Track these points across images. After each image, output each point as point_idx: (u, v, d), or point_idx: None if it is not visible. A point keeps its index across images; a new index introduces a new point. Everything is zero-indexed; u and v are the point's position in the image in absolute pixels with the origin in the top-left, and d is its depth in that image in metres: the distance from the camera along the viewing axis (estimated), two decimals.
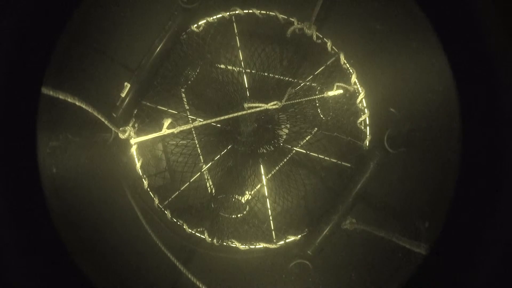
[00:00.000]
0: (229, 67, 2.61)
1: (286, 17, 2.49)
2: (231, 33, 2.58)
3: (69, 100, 1.47)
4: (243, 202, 2.58)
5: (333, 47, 2.48)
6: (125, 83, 2.26)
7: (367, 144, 2.45)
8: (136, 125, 2.45)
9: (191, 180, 2.60)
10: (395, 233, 1.88)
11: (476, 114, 1.24)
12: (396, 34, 2.30)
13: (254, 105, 2.30)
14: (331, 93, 2.37)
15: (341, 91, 2.38)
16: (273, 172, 2.65)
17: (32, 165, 1.22)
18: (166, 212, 2.47)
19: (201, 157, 2.64)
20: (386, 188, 2.43)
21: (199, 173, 2.61)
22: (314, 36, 2.45)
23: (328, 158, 2.52)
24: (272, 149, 2.61)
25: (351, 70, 2.48)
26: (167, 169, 2.69)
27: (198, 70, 2.60)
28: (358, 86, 2.46)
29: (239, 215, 2.56)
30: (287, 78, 2.60)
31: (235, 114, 2.25)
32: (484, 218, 1.17)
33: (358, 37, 2.53)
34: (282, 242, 2.48)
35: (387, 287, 2.08)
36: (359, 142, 2.46)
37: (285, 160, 2.62)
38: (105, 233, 2.24)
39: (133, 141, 2.22)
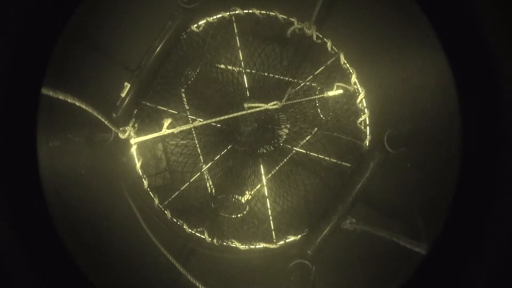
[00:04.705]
0: (229, 67, 2.60)
1: (286, 17, 2.49)
2: (231, 33, 2.58)
3: (69, 100, 1.47)
4: (243, 202, 2.58)
5: (333, 47, 2.48)
6: (125, 83, 2.26)
7: (367, 144, 2.45)
8: (136, 125, 2.44)
9: (191, 180, 2.60)
10: (395, 233, 1.88)
11: (476, 114, 1.24)
12: (396, 34, 2.30)
13: (254, 105, 2.30)
14: (331, 93, 2.37)
15: (341, 91, 2.38)
16: (273, 172, 2.65)
17: (32, 165, 1.22)
18: (166, 212, 2.47)
19: (201, 157, 2.64)
20: (386, 188, 2.43)
21: (199, 173, 2.61)
22: (314, 36, 2.45)
23: (328, 158, 2.52)
24: (272, 149, 2.60)
25: (351, 70, 2.47)
26: (167, 169, 2.69)
27: (198, 70, 2.60)
28: (358, 86, 2.46)
29: (239, 215, 2.56)
30: (287, 78, 2.60)
31: (235, 114, 2.25)
32: (484, 218, 1.17)
33: (358, 37, 2.52)
34: (282, 242, 2.48)
35: (387, 287, 2.08)
36: (359, 142, 2.46)
37: (285, 160, 2.62)
38: (105, 233, 2.24)
39: (133, 141, 2.22)
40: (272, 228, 2.58)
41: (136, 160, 2.46)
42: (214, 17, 2.51)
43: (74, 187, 2.14)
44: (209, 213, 2.56)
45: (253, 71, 2.59)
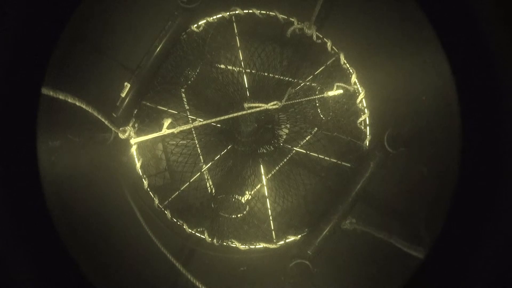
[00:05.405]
0: (229, 67, 2.61)
1: (286, 17, 2.49)
2: (231, 33, 2.58)
3: (69, 100, 1.47)
4: (243, 202, 2.58)
5: (333, 47, 2.48)
6: (125, 83, 2.26)
7: (367, 144, 2.45)
8: (136, 125, 2.45)
9: (191, 180, 2.60)
10: (393, 235, 1.88)
11: (476, 114, 1.24)
12: (396, 34, 2.30)
13: (254, 105, 2.30)
14: (331, 93, 2.37)
15: (341, 91, 2.38)
16: (273, 172, 2.65)
17: (32, 165, 1.22)
18: (166, 212, 2.47)
19: (201, 157, 2.64)
20: (386, 188, 2.43)
21: (199, 173, 2.61)
22: (314, 36, 2.45)
23: (328, 158, 2.52)
24: (272, 149, 2.60)
25: (351, 70, 2.47)
26: (167, 169, 2.69)
27: (198, 70, 2.60)
28: (358, 86, 2.46)
29: (239, 215, 2.56)
30: (287, 78, 2.60)
31: (235, 114, 2.25)
32: (483, 220, 1.17)
33: (358, 37, 2.52)
34: (282, 242, 2.48)
35: (388, 286, 2.08)
36: (359, 142, 2.46)
37: (285, 160, 2.62)
38: (105, 233, 2.24)
39: (133, 141, 2.21)
40: (272, 228, 2.58)
41: (136, 160, 2.46)
42: (214, 17, 2.51)
43: (74, 187, 2.13)
44: (209, 213, 2.56)
45: (253, 71, 2.59)
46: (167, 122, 2.10)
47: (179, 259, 2.02)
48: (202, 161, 2.64)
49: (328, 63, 2.54)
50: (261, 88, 2.60)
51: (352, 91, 2.42)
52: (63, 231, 1.27)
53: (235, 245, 2.48)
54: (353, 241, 2.31)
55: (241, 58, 2.59)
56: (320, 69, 2.57)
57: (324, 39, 2.49)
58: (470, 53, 1.25)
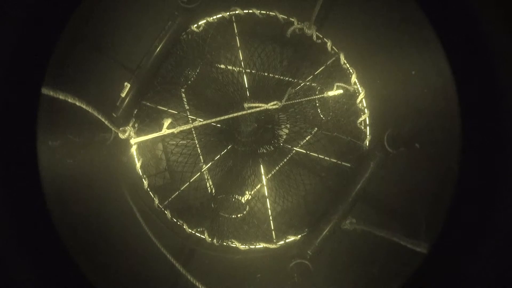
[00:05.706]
0: (229, 67, 2.61)
1: (286, 17, 2.49)
2: (231, 33, 2.58)
3: (69, 100, 1.47)
4: (243, 202, 2.58)
5: (333, 47, 2.48)
6: (125, 83, 2.26)
7: (367, 144, 2.45)
8: (136, 125, 2.45)
9: (191, 180, 2.60)
10: (395, 233, 1.88)
11: (476, 114, 1.24)
12: (396, 34, 2.30)
13: (254, 105, 2.30)
14: (331, 93, 2.37)
15: (341, 91, 2.38)
16: (273, 172, 2.65)
17: (32, 165, 1.22)
18: (166, 212, 2.47)
19: (201, 157, 2.64)
20: (386, 188, 2.43)
21: (199, 173, 2.61)
22: (314, 36, 2.45)
23: (328, 158, 2.52)
24: (272, 149, 2.60)
25: (351, 70, 2.48)
26: (167, 169, 2.69)
27: (198, 70, 2.60)
28: (358, 86, 2.46)
29: (239, 215, 2.56)
30: (287, 78, 2.60)
31: (235, 114, 2.25)
32: (484, 217, 1.17)
33: (358, 37, 2.53)
34: (282, 242, 2.48)
35: (387, 286, 2.08)
36: (359, 142, 2.46)
37: (285, 160, 2.62)
38: (105, 233, 2.24)
39: (133, 141, 2.21)
40: (272, 228, 2.58)
41: (136, 160, 2.46)
42: (214, 17, 2.51)
43: (74, 187, 2.14)
44: (209, 213, 2.56)
45: (253, 71, 2.59)
46: (167, 122, 2.10)
47: (179, 259, 2.02)
48: (202, 161, 2.64)
49: (328, 63, 2.54)
50: (261, 88, 2.60)
51: (352, 91, 2.42)
52: (63, 231, 1.27)
53: (235, 245, 2.48)
54: (353, 241, 2.31)
55: (241, 58, 2.59)
56: (320, 69, 2.57)
57: (324, 39, 2.49)
58: (470, 53, 1.25)
